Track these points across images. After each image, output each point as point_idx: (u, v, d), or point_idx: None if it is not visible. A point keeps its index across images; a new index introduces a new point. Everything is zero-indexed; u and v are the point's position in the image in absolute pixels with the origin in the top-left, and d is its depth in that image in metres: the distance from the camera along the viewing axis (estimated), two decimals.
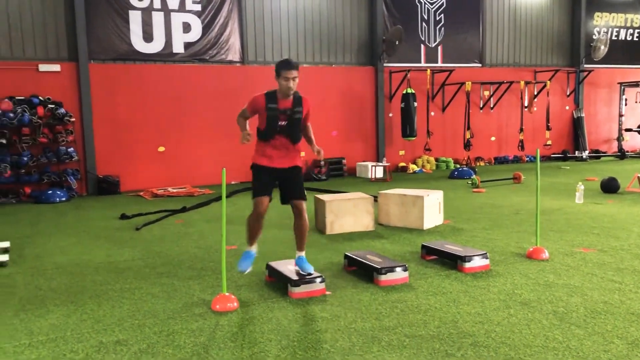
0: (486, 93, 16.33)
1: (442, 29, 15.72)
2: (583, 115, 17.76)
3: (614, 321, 3.75)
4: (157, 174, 12.39)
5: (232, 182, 12.47)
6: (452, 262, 5.18)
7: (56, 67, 11.55)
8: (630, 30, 18.66)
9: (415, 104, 14.39)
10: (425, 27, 15.51)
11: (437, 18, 15.61)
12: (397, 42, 14.12)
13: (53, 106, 11.20)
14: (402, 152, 15.41)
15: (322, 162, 13.33)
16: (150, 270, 5.37)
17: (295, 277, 4.44)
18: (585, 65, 17.76)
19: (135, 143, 12.25)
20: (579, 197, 8.88)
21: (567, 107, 17.83)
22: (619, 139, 18.26)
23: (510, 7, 16.71)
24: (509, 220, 7.52)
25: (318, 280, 4.47)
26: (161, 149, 12.53)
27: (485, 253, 5.18)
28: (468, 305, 4.14)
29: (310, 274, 4.51)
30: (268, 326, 3.81)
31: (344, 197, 7.35)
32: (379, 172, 13.49)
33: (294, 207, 4.61)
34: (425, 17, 15.48)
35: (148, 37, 12.33)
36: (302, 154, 4.88)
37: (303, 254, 4.68)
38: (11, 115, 10.71)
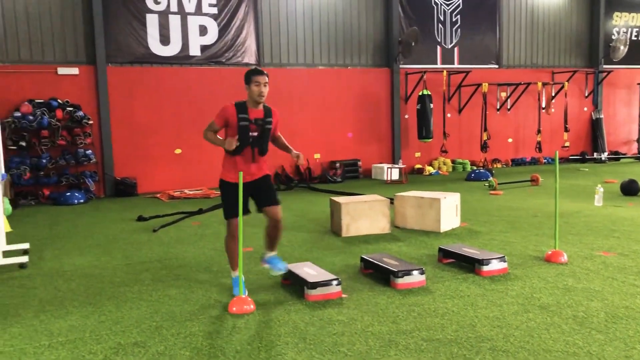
0: (503, 94, 16.19)
1: (459, 30, 15.63)
2: (602, 116, 17.52)
3: (635, 326, 3.68)
4: (173, 176, 12.49)
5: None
6: (470, 265, 5.14)
7: (75, 71, 11.70)
8: None
9: (432, 105, 14.32)
10: (441, 28, 15.43)
11: (454, 19, 15.53)
12: (413, 44, 14.08)
13: (71, 109, 11.34)
14: (418, 154, 15.35)
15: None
16: (167, 272, 5.41)
17: (311, 280, 4.43)
18: (604, 66, 17.52)
19: (152, 145, 12.35)
20: (598, 200, 8.74)
21: (586, 109, 17.61)
22: (639, 140, 18.01)
23: (528, 7, 16.56)
24: (527, 223, 7.45)
25: (334, 282, 4.46)
26: (178, 151, 12.61)
27: (503, 256, 5.12)
28: (486, 309, 4.10)
29: (286, 272, 4.63)
30: (285, 329, 3.81)
31: (359, 199, 7.32)
32: (395, 174, 13.42)
33: (270, 213, 4.56)
34: (442, 18, 15.40)
35: (165, 40, 12.43)
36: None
37: (275, 253, 4.70)
38: (30, 118, 10.86)
